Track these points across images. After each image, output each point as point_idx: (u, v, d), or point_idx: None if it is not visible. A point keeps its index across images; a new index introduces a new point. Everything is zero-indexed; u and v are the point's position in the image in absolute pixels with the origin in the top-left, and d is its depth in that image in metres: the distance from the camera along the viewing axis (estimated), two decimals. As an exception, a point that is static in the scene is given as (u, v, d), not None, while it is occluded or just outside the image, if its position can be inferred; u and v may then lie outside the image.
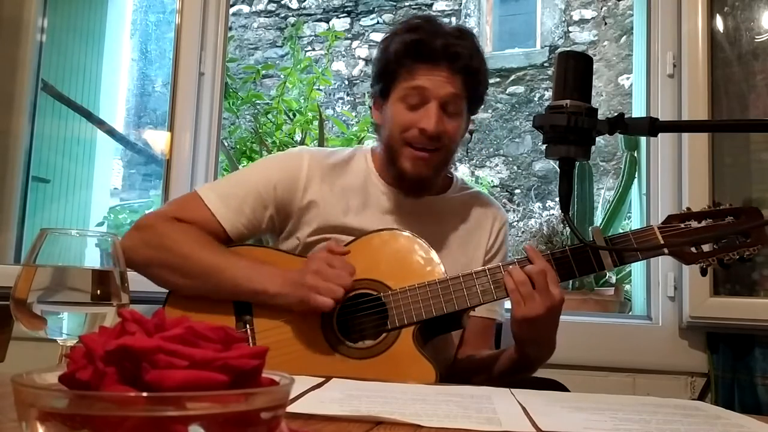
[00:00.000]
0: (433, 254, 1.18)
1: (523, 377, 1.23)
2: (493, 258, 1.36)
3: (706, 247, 1.11)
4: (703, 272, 1.13)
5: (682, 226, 1.12)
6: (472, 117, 1.35)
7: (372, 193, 1.31)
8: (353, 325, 1.16)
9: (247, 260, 1.19)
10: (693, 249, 1.12)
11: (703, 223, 1.12)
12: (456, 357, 1.34)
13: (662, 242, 1.11)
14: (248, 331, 1.17)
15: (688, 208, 1.16)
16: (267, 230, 1.30)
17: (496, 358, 1.24)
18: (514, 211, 5.72)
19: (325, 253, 1.14)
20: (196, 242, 1.20)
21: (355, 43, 6.42)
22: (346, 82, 6.32)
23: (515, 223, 5.49)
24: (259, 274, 1.15)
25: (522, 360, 1.18)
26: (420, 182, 1.26)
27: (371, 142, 1.43)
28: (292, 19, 6.48)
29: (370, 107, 1.39)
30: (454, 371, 1.31)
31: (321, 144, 2.96)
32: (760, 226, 1.12)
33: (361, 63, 6.33)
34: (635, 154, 2.24)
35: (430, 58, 1.21)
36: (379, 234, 1.22)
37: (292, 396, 0.40)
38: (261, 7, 6.67)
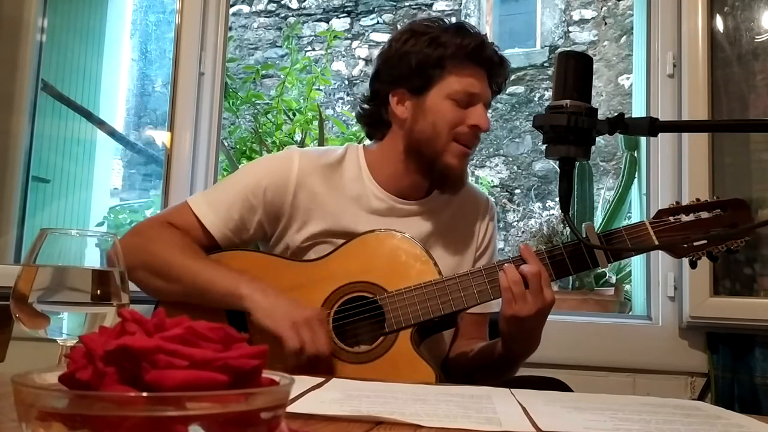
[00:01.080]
0: (428, 254, 1.18)
1: (509, 372, 1.25)
2: (485, 250, 1.37)
3: (695, 241, 1.14)
4: (693, 265, 1.15)
5: (672, 220, 1.14)
6: None
7: (364, 195, 1.28)
8: (349, 328, 1.15)
9: (227, 268, 1.18)
10: (683, 243, 1.14)
11: (692, 217, 1.14)
12: (449, 352, 1.34)
13: (654, 237, 1.14)
14: None
15: (677, 202, 1.18)
16: (256, 235, 1.28)
17: (487, 352, 1.25)
18: (514, 211, 5.72)
19: (314, 314, 1.11)
20: (178, 245, 1.20)
21: (355, 43, 6.42)
22: (346, 82, 6.32)
23: (515, 223, 5.50)
24: (236, 278, 1.14)
25: (508, 354, 1.19)
26: (461, 178, 1.28)
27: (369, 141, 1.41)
28: (292, 19, 6.48)
29: (361, 108, 1.35)
30: (449, 368, 1.32)
31: (321, 144, 2.96)
32: (753, 228, 1.14)
33: (361, 63, 6.33)
34: (635, 154, 2.24)
35: (482, 63, 1.25)
36: (374, 235, 1.20)
37: (292, 396, 0.40)
38: (261, 7, 6.66)
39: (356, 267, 1.15)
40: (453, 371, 1.31)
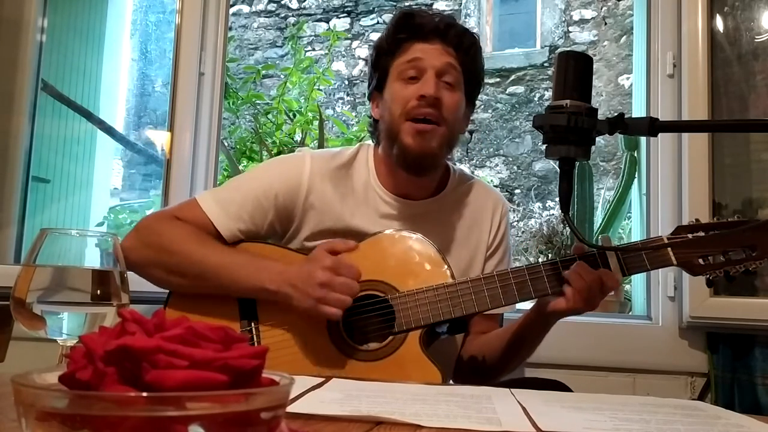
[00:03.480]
0: (442, 257, 1.18)
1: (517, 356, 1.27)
2: (496, 249, 1.35)
3: (713, 259, 1.11)
4: (709, 283, 1.13)
5: (690, 236, 1.12)
6: (472, 117, 1.35)
7: (372, 199, 1.29)
8: (359, 326, 1.15)
9: (246, 256, 1.19)
10: (701, 260, 1.12)
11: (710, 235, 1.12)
12: (461, 350, 1.34)
13: (671, 254, 1.12)
14: (253, 331, 1.17)
15: (697, 219, 1.17)
16: (267, 235, 1.29)
17: (509, 338, 1.25)
18: (514, 211, 5.71)
19: (330, 259, 1.12)
20: (194, 240, 1.20)
21: (355, 43, 6.41)
22: (346, 82, 6.32)
23: (515, 223, 5.49)
24: (259, 271, 1.15)
25: (524, 339, 1.23)
26: (423, 158, 1.22)
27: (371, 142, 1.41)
28: (292, 19, 6.48)
29: (370, 116, 1.39)
30: (461, 365, 1.31)
31: (321, 144, 2.96)
32: (753, 228, 1.12)
33: (361, 63, 6.32)
34: (635, 154, 2.24)
35: (421, 33, 1.24)
36: (387, 235, 1.21)
37: (292, 396, 0.40)
38: (261, 7, 6.66)
39: (369, 266, 1.14)
40: (465, 366, 1.31)
